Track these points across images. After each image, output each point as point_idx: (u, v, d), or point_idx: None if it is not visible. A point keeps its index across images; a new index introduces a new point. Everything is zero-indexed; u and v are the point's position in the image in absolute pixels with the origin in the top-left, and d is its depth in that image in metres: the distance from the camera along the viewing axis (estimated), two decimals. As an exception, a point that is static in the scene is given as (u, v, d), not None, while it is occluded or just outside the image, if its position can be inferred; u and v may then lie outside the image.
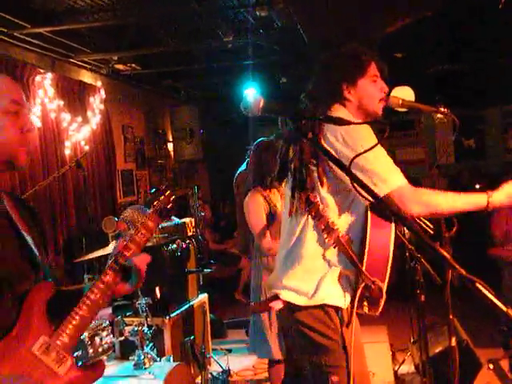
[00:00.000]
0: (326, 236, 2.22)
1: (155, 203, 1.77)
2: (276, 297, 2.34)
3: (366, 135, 2.15)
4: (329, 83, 2.34)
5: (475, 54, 7.50)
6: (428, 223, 3.20)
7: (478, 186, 8.89)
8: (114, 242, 3.81)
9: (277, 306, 2.37)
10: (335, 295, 2.23)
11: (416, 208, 2.11)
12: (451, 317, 2.73)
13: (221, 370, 4.82)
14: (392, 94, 2.62)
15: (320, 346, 2.24)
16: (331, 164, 2.17)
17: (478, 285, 1.35)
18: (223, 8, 5.37)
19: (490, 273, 5.95)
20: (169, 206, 1.79)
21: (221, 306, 6.74)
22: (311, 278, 2.25)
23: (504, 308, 1.31)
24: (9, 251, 1.62)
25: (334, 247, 2.22)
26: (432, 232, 3.16)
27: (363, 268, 2.15)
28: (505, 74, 8.07)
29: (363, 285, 2.15)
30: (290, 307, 2.30)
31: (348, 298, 2.25)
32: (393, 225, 2.20)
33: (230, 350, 5.43)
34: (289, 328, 2.39)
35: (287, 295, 2.29)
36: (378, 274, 2.16)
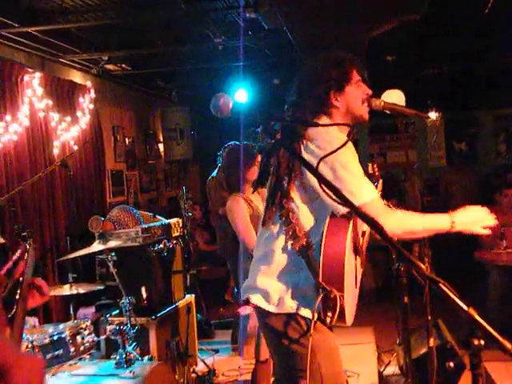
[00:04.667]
0: (291, 243, 2.22)
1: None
2: (248, 301, 2.35)
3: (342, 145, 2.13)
4: (316, 93, 2.33)
5: (467, 58, 7.54)
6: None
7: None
8: (98, 241, 3.82)
9: (244, 311, 2.40)
10: (301, 304, 2.21)
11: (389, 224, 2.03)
12: (429, 318, 2.75)
13: (206, 370, 4.83)
14: (382, 98, 2.64)
15: (289, 350, 2.24)
16: (308, 174, 2.17)
17: (441, 285, 1.37)
18: (212, 9, 5.38)
19: (477, 275, 6.01)
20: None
21: (210, 306, 6.75)
22: (279, 286, 2.24)
23: (465, 308, 1.33)
24: None
25: (298, 255, 2.21)
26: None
27: (319, 277, 2.10)
28: (497, 78, 8.13)
29: (321, 295, 2.09)
30: (260, 312, 2.31)
31: (312, 307, 2.20)
32: (349, 231, 2.15)
33: (216, 351, 5.45)
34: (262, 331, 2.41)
35: (257, 300, 2.29)
36: (335, 283, 2.09)
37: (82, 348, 3.18)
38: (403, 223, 2.15)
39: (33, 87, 5.36)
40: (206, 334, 5.92)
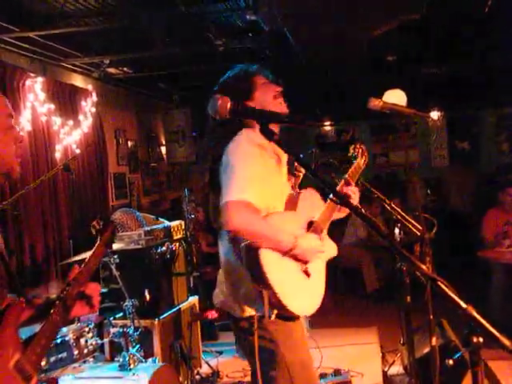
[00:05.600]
0: (232, 245, 2.34)
1: (104, 236, 1.97)
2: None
3: (249, 152, 2.28)
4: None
5: (469, 57, 7.53)
6: (416, 224, 3.23)
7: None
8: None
9: (211, 315, 2.50)
10: (257, 306, 2.30)
11: (236, 223, 2.19)
12: (431, 317, 2.75)
13: (211, 371, 4.84)
14: (383, 98, 2.65)
15: (259, 347, 2.31)
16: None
17: (439, 283, 1.37)
18: (213, 12, 5.40)
19: (481, 274, 6.01)
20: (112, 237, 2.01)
21: (213, 308, 6.75)
22: (237, 290, 2.35)
23: (464, 305, 1.33)
24: None
25: (237, 259, 2.32)
26: (418, 233, 3.19)
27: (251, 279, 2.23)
28: (499, 77, 8.12)
29: (256, 293, 2.23)
30: (230, 316, 2.42)
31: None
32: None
33: (220, 352, 5.45)
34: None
35: (223, 305, 2.44)
36: (261, 284, 2.19)
37: (85, 351, 3.19)
38: (248, 224, 2.21)
39: (35, 92, 5.38)
40: (210, 336, 5.92)
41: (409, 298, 3.50)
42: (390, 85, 3.33)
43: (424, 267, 1.48)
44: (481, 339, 1.31)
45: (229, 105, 1.81)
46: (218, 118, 1.85)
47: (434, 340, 2.73)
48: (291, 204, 2.45)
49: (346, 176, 2.78)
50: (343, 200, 2.37)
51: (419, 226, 3.13)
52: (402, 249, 1.48)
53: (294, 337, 2.40)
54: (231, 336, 5.84)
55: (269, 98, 2.50)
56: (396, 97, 3.84)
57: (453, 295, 1.35)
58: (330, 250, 2.56)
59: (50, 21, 5.20)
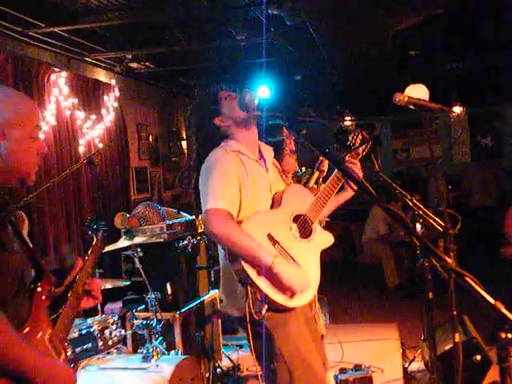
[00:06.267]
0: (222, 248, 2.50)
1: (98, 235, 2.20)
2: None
3: (224, 162, 2.43)
4: (208, 125, 2.61)
5: (492, 52, 7.44)
6: (438, 220, 3.21)
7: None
8: (124, 237, 3.87)
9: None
10: (248, 304, 2.35)
11: (215, 230, 2.30)
12: (454, 313, 2.73)
13: (231, 365, 4.86)
14: (406, 92, 2.64)
15: (260, 342, 2.38)
16: None
17: (467, 278, 1.37)
18: (235, 6, 5.40)
19: (504, 271, 5.95)
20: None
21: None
22: (231, 292, 2.45)
23: (492, 301, 1.33)
24: (20, 253, 1.73)
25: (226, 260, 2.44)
26: (440, 229, 3.18)
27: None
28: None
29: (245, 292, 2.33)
30: (230, 318, 2.51)
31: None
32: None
33: (240, 346, 5.47)
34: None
35: (224, 307, 2.54)
36: (244, 278, 2.31)
37: (110, 342, 3.24)
38: (228, 232, 2.30)
39: (59, 86, 5.45)
40: (230, 330, 5.94)
41: (431, 294, 3.49)
42: (411, 80, 3.32)
43: (450, 261, 1.48)
44: (509, 335, 1.31)
45: (256, 101, 1.83)
46: (247, 113, 1.87)
47: (457, 336, 2.71)
48: (276, 202, 2.55)
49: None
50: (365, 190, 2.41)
51: (441, 222, 3.11)
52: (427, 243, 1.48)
53: (291, 329, 2.44)
54: (251, 330, 5.91)
55: (235, 107, 2.56)
56: (418, 92, 3.81)
57: (481, 291, 1.34)
58: (324, 240, 2.64)
59: (74, 16, 5.26)
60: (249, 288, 2.29)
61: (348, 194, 2.83)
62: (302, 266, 2.45)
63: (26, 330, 1.64)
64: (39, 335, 1.67)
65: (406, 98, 2.53)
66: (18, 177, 1.72)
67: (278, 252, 2.39)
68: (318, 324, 2.84)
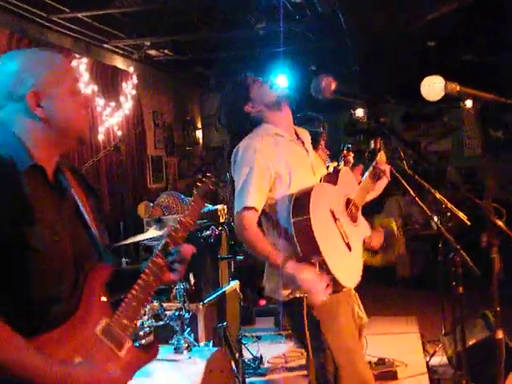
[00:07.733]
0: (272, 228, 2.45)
1: (200, 186, 1.84)
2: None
3: (251, 159, 2.42)
4: (239, 114, 2.60)
5: (507, 44, 7.36)
6: (463, 216, 3.17)
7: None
8: (154, 226, 3.82)
9: (262, 302, 2.58)
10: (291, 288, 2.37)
11: (240, 234, 2.37)
12: (498, 309, 2.69)
13: (251, 356, 4.84)
14: (422, 84, 2.59)
15: (304, 333, 2.35)
16: None
17: None
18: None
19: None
20: (211, 189, 1.85)
21: (252, 293, 6.72)
22: (273, 275, 2.42)
23: None
24: (78, 231, 1.64)
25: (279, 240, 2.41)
26: (468, 223, 3.14)
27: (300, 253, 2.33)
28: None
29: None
30: (277, 301, 2.49)
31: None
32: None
33: (259, 337, 5.45)
34: None
35: (268, 292, 2.52)
36: (311, 251, 2.28)
37: (141, 333, 3.20)
38: (252, 240, 2.36)
39: (79, 72, 5.39)
40: (248, 321, 5.92)
41: (461, 288, 3.45)
42: (428, 71, 3.25)
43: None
44: None
45: (333, 85, 1.80)
46: (321, 98, 1.85)
47: (499, 333, 2.66)
48: (331, 179, 2.54)
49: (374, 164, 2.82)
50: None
51: (464, 216, 3.08)
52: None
53: (339, 322, 2.42)
54: (268, 321, 5.89)
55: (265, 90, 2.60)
56: (435, 83, 3.74)
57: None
58: (366, 229, 2.66)
59: (96, 1, 5.19)
60: (314, 260, 2.25)
61: (383, 183, 2.82)
62: (353, 248, 2.45)
63: (74, 320, 1.54)
64: (88, 330, 1.56)
65: (458, 88, 2.48)
66: (73, 136, 1.64)
67: (338, 229, 2.39)
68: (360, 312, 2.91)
